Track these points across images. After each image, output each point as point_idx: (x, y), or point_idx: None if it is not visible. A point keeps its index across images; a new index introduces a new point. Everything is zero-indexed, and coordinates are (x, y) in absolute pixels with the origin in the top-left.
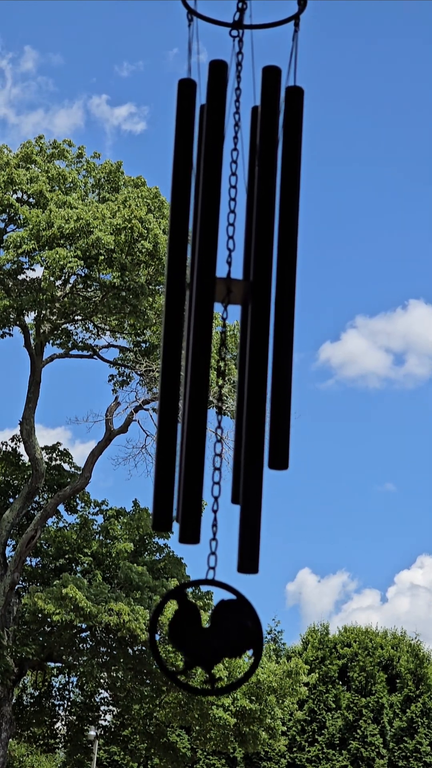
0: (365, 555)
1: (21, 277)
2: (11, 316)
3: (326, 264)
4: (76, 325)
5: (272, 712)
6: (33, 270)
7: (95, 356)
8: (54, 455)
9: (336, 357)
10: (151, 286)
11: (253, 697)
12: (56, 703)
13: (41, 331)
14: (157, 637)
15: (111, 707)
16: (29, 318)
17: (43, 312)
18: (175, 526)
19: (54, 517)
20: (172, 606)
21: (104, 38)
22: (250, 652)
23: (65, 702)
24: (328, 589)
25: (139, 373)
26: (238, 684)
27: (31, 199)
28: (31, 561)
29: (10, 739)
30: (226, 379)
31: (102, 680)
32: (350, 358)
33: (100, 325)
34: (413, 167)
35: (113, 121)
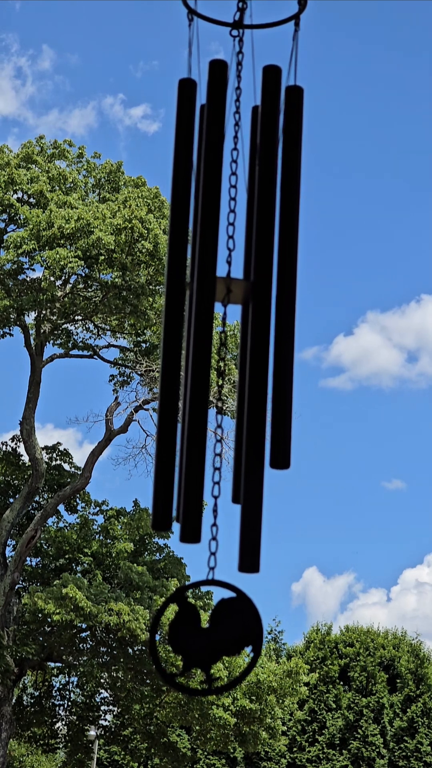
0: (372, 554)
1: (21, 277)
2: (11, 316)
3: (335, 259)
4: (76, 325)
5: (272, 712)
6: (33, 270)
7: (95, 356)
8: (54, 455)
9: (348, 353)
10: (151, 286)
11: (253, 697)
12: (56, 703)
13: (41, 331)
14: (157, 637)
15: (111, 707)
16: (29, 318)
17: (44, 312)
18: (176, 526)
19: (54, 517)
20: (172, 606)
21: (121, 38)
22: (249, 650)
23: (65, 702)
24: (334, 589)
25: (139, 373)
26: (236, 682)
27: (31, 199)
28: (31, 561)
29: (10, 739)
30: (226, 379)
31: (102, 680)
32: (363, 354)
33: (100, 325)
34: (419, 163)
35: (127, 121)
